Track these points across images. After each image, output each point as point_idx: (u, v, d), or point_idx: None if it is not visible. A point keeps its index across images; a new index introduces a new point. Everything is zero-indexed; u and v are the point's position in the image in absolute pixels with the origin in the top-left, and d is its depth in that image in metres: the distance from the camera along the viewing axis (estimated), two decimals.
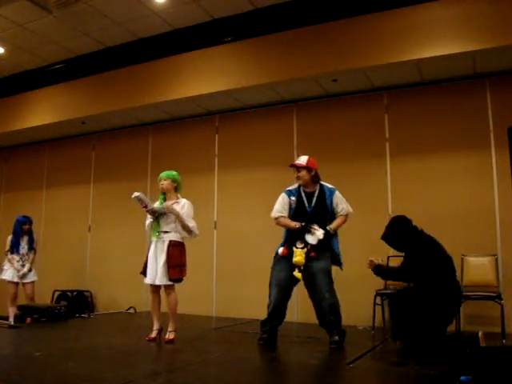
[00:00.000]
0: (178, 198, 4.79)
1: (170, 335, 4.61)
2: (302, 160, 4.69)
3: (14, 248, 6.75)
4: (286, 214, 4.70)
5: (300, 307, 6.53)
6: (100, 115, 7.78)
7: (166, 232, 4.66)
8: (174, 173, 4.85)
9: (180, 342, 4.62)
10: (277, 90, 6.72)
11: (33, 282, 6.83)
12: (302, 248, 4.49)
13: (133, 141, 8.43)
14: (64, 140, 9.10)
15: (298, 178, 4.67)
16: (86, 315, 7.09)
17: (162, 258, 4.58)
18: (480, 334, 3.78)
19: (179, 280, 4.63)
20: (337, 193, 4.72)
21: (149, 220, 4.79)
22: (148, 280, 4.67)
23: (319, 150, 6.87)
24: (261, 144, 7.25)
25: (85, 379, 3.17)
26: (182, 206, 4.70)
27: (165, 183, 4.77)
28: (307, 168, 4.63)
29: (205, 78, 6.78)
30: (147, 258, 4.73)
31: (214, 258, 7.38)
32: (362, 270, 6.25)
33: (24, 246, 6.80)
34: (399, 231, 4.33)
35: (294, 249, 4.51)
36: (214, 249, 7.41)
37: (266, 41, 6.38)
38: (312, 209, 4.62)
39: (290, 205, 4.69)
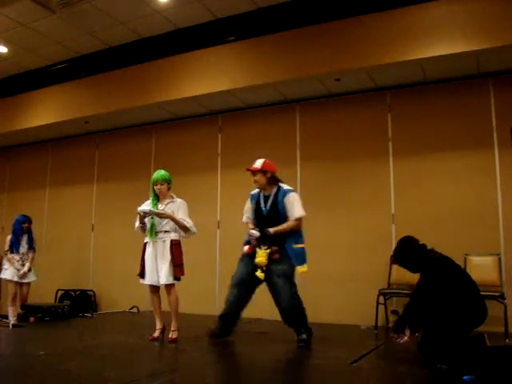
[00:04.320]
0: (172, 198, 4.79)
1: (172, 334, 4.62)
2: (258, 163, 4.72)
3: (14, 247, 6.68)
4: (251, 217, 4.83)
5: None
6: (103, 115, 7.80)
7: (166, 232, 4.67)
8: (168, 174, 4.81)
9: (183, 341, 4.62)
10: (280, 89, 6.72)
11: (29, 283, 6.79)
12: (266, 249, 4.53)
13: (136, 140, 8.44)
14: (67, 139, 9.13)
15: (255, 181, 4.73)
16: (89, 314, 7.10)
17: (166, 257, 4.59)
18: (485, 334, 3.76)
19: (180, 279, 4.66)
20: (290, 195, 4.65)
21: (138, 223, 4.80)
22: (147, 281, 4.71)
23: (322, 149, 6.89)
24: (263, 143, 7.24)
25: (88, 378, 3.18)
26: (178, 206, 4.71)
27: (162, 188, 4.73)
28: (262, 171, 4.68)
29: (208, 77, 6.78)
30: (144, 259, 4.75)
31: (217, 258, 7.39)
32: (364, 270, 6.27)
33: (24, 245, 6.74)
34: (408, 252, 4.20)
35: (257, 249, 4.55)
36: (217, 248, 7.42)
37: (269, 40, 6.38)
38: (267, 211, 4.67)
39: (253, 208, 4.80)
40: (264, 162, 4.71)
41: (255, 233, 4.54)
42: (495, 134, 5.91)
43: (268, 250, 4.52)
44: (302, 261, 4.58)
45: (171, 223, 4.66)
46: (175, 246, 4.63)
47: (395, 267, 6.05)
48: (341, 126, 6.81)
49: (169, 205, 4.70)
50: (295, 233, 4.63)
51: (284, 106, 7.22)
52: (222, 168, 7.57)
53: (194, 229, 4.72)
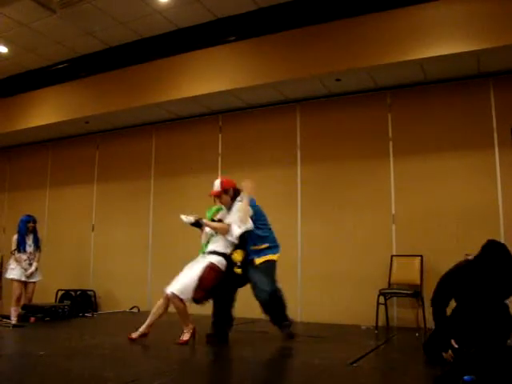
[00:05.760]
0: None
1: (183, 336, 4.53)
2: (216, 186, 4.73)
3: (21, 247, 6.70)
4: None
5: (302, 306, 6.54)
6: (103, 115, 7.79)
7: (212, 253, 4.62)
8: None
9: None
10: (280, 89, 6.72)
11: (35, 282, 6.81)
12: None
13: (136, 140, 8.44)
14: (67, 139, 9.13)
15: (222, 203, 4.77)
16: (89, 314, 7.10)
17: (194, 272, 4.47)
18: None
19: (198, 301, 4.55)
20: (237, 203, 4.68)
21: (205, 233, 4.82)
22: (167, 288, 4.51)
23: (322, 149, 6.89)
24: (264, 143, 7.25)
25: (88, 378, 3.18)
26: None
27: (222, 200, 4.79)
28: (224, 191, 4.70)
29: (208, 77, 6.78)
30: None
31: None
32: (364, 270, 6.27)
33: (31, 245, 6.77)
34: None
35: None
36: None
37: (270, 40, 6.38)
38: None
39: None
40: (222, 182, 4.73)
41: (188, 219, 4.65)
42: (495, 134, 5.91)
43: (244, 251, 4.62)
44: (259, 255, 4.63)
45: (218, 243, 4.63)
46: (210, 270, 4.48)
47: (395, 267, 6.06)
48: (341, 126, 6.81)
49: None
50: (253, 237, 4.67)
51: (284, 106, 7.22)
52: (222, 168, 7.57)
53: (236, 231, 4.59)
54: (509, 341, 3.65)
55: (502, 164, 5.83)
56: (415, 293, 5.66)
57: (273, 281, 4.64)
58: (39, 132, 8.72)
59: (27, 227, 6.79)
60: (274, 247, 4.75)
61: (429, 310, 4.10)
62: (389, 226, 6.31)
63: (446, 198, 6.04)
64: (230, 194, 4.70)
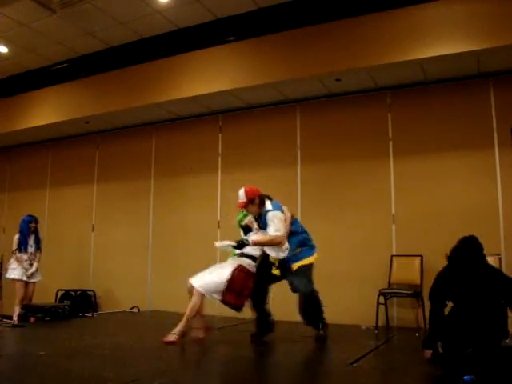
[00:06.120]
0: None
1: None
2: (241, 197, 4.66)
3: (22, 246, 6.72)
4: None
5: None
6: (103, 115, 7.79)
7: (241, 255, 4.69)
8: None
9: (182, 341, 4.61)
10: (280, 89, 6.72)
11: (35, 283, 6.83)
12: None
13: (136, 140, 8.44)
14: (67, 139, 9.14)
15: (249, 212, 4.76)
16: (89, 314, 7.10)
17: (221, 272, 4.53)
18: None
19: (235, 307, 4.59)
20: (268, 215, 4.61)
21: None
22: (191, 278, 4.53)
23: (322, 149, 6.89)
24: (264, 143, 7.25)
25: (88, 378, 3.18)
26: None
27: (250, 209, 4.75)
28: (250, 200, 4.65)
29: (208, 77, 6.78)
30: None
31: (218, 257, 7.37)
32: (364, 270, 6.27)
33: (32, 245, 6.79)
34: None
35: None
36: (217, 248, 7.40)
37: (270, 40, 6.38)
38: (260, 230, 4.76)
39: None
40: (246, 192, 4.65)
41: (230, 243, 4.74)
42: (495, 134, 5.91)
43: None
44: (295, 259, 4.62)
45: (251, 247, 4.66)
46: (239, 272, 4.53)
47: (395, 267, 6.06)
48: (341, 126, 6.81)
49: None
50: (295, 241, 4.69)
51: (284, 106, 7.22)
52: (222, 168, 7.57)
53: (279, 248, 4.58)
54: (506, 341, 3.66)
55: (502, 164, 5.83)
56: (415, 293, 5.67)
57: (309, 282, 4.64)
58: (39, 132, 8.72)
59: (29, 227, 6.81)
60: (309, 248, 4.73)
61: (429, 310, 4.09)
62: (389, 226, 6.31)
63: (446, 198, 6.04)
64: (256, 203, 4.65)
